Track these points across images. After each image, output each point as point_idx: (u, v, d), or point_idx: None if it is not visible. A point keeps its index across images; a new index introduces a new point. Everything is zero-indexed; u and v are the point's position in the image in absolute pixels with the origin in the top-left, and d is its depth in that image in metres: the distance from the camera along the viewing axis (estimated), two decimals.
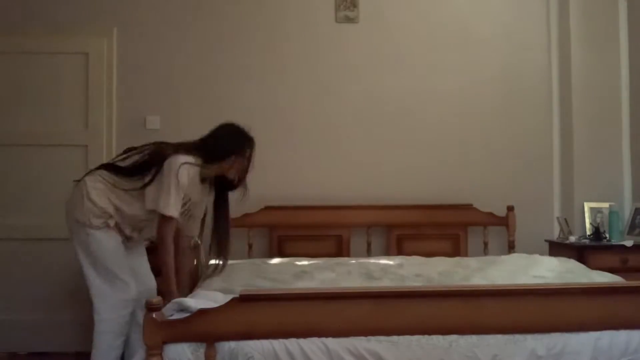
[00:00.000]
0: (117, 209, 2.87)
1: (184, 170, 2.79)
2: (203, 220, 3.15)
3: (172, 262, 2.85)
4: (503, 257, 3.73)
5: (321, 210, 4.18)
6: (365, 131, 4.35)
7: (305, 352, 2.05)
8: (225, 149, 2.96)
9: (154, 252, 3.09)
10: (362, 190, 4.29)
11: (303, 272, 3.18)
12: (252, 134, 3.07)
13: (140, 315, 2.51)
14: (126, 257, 2.92)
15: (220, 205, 3.11)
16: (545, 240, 4.28)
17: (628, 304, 2.20)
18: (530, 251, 4.02)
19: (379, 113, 4.37)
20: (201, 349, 2.06)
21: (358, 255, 4.10)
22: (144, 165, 2.88)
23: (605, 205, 4.14)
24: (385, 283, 2.95)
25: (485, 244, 4.27)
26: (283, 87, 4.34)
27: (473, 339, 2.12)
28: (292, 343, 2.07)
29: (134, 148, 2.99)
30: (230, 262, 3.69)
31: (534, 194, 4.39)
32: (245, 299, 2.07)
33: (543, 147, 4.43)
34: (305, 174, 4.30)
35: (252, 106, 4.30)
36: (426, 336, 2.11)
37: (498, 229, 4.29)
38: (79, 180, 2.96)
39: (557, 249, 4.11)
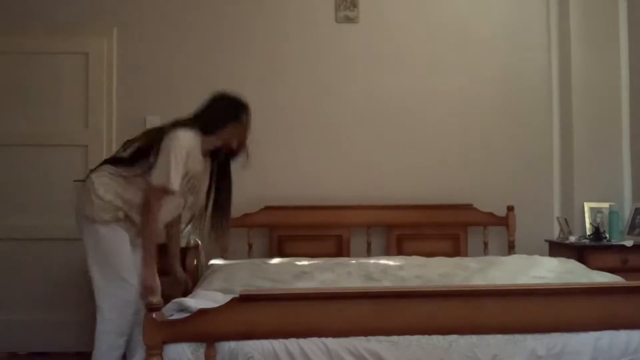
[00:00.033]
0: (125, 200, 2.84)
1: (183, 142, 2.78)
2: (208, 194, 3.11)
3: (156, 230, 2.83)
4: (503, 258, 3.73)
5: (321, 210, 4.18)
6: (365, 131, 4.35)
7: (305, 352, 2.05)
8: (221, 119, 2.94)
9: (162, 252, 3.09)
10: (362, 190, 4.29)
11: (303, 273, 3.18)
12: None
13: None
14: (133, 256, 2.88)
15: (222, 177, 3.10)
16: (545, 240, 4.28)
17: (628, 304, 2.20)
18: (530, 251, 4.02)
19: (379, 113, 4.37)
20: (201, 349, 2.06)
21: (358, 255, 4.10)
22: (144, 149, 2.87)
23: (605, 205, 4.14)
24: (385, 285, 2.95)
25: (485, 244, 4.27)
26: (283, 87, 4.34)
27: (473, 339, 2.12)
28: (292, 343, 2.07)
29: (132, 139, 2.99)
30: (230, 262, 3.71)
31: (534, 194, 4.39)
32: (245, 299, 2.07)
33: (543, 147, 4.43)
34: (305, 174, 4.30)
35: (252, 106, 4.24)
36: (426, 336, 2.11)
37: (498, 229, 4.29)
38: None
39: (557, 249, 4.11)
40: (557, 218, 4.31)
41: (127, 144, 3.00)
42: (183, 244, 3.84)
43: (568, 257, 3.68)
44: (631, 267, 3.77)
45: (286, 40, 4.37)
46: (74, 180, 4.14)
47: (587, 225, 4.13)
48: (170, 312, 2.20)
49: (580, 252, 3.84)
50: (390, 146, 4.36)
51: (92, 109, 4.22)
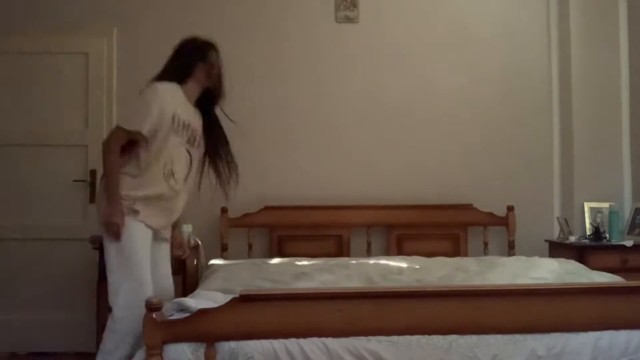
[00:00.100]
0: (136, 188, 2.81)
1: (156, 90, 2.83)
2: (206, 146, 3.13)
3: (117, 163, 2.77)
4: (502, 259, 3.71)
5: (321, 210, 4.18)
6: (365, 131, 4.35)
7: (305, 352, 2.06)
8: (189, 63, 2.97)
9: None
10: (362, 190, 4.29)
11: (303, 274, 3.18)
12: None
13: None
14: (155, 254, 2.88)
15: (213, 125, 3.14)
16: (545, 240, 4.28)
17: (628, 304, 2.20)
18: (530, 251, 4.03)
19: (379, 113, 4.37)
20: (201, 349, 2.06)
21: (358, 255, 4.10)
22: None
23: (605, 205, 4.14)
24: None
25: (485, 244, 4.27)
26: (283, 87, 4.34)
27: (473, 339, 2.12)
28: (292, 343, 2.07)
29: None
30: (230, 262, 3.71)
31: (534, 194, 4.39)
32: (245, 299, 2.07)
33: (543, 147, 4.43)
34: (305, 174, 4.30)
35: (252, 106, 4.31)
36: (426, 336, 2.11)
37: (498, 229, 4.29)
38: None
39: (557, 249, 4.11)
40: (557, 218, 4.31)
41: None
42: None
43: (568, 257, 3.69)
44: (631, 267, 3.77)
45: (286, 40, 4.37)
46: (74, 180, 4.16)
47: (587, 225, 4.13)
48: (170, 312, 2.20)
49: (580, 252, 3.83)
50: (390, 146, 4.36)
51: (92, 109, 4.22)
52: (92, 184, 4.10)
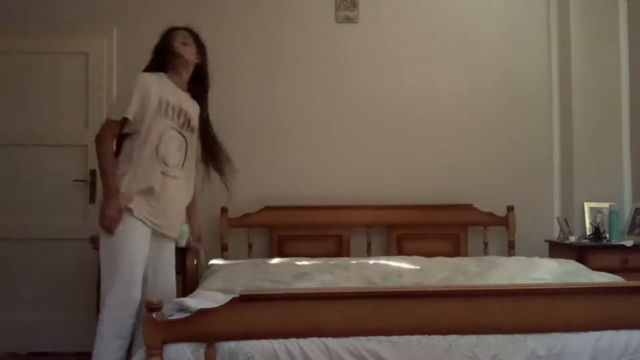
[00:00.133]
0: (130, 184, 2.80)
1: (139, 79, 2.88)
2: (205, 147, 3.15)
3: (110, 156, 2.82)
4: (502, 260, 3.68)
5: (321, 210, 4.17)
6: (365, 131, 4.35)
7: (305, 352, 2.06)
8: (161, 50, 3.02)
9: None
10: (362, 190, 4.29)
11: (303, 274, 3.17)
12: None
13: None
14: (146, 255, 2.83)
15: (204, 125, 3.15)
16: (545, 240, 4.28)
17: (628, 304, 2.20)
18: (530, 251, 4.03)
19: (379, 113, 4.37)
20: (201, 349, 2.06)
21: (358, 255, 4.10)
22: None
23: (605, 205, 4.14)
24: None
25: (485, 244, 4.27)
26: (283, 87, 4.34)
27: (473, 339, 2.12)
28: (292, 343, 2.07)
29: None
30: (230, 262, 3.71)
31: (534, 194, 4.39)
32: (245, 299, 2.07)
33: (543, 147, 4.43)
34: (305, 174, 4.30)
35: (252, 106, 4.31)
36: (426, 336, 2.11)
37: (498, 229, 4.29)
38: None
39: (557, 249, 4.11)
40: (557, 218, 4.31)
41: None
42: (183, 244, 3.84)
43: (568, 257, 3.69)
44: (631, 267, 3.77)
45: (286, 40, 4.37)
46: (74, 180, 4.16)
47: (587, 225, 4.13)
48: (170, 312, 2.20)
49: (580, 252, 3.83)
50: (390, 146, 4.35)
51: (92, 109, 4.21)
52: (92, 184, 4.11)
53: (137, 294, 2.74)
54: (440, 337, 2.11)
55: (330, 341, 2.08)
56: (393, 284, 3.07)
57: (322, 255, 3.84)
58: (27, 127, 4.21)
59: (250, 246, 4.17)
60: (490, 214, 4.25)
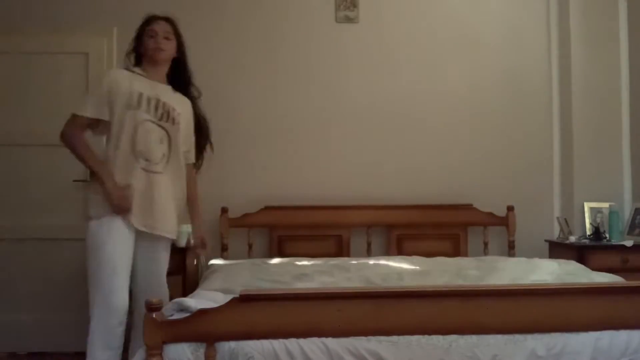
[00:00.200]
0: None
1: (106, 72, 2.90)
2: (199, 143, 3.07)
3: (81, 143, 2.73)
4: (502, 261, 3.64)
5: (321, 210, 4.18)
6: (365, 131, 4.35)
7: (305, 352, 2.05)
8: (135, 43, 2.95)
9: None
10: (362, 190, 4.29)
11: (303, 275, 3.17)
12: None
13: (140, 321, 2.46)
14: (130, 258, 2.73)
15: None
16: (545, 240, 4.28)
17: (628, 304, 2.19)
18: (530, 251, 4.04)
19: (379, 113, 4.37)
20: (201, 349, 2.05)
21: (358, 255, 4.10)
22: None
23: (605, 205, 4.14)
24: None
25: (485, 244, 4.27)
26: (283, 87, 4.34)
27: (473, 339, 2.12)
28: (292, 343, 2.07)
29: None
30: (230, 262, 3.71)
31: (534, 194, 4.40)
32: (245, 299, 2.06)
33: (543, 147, 4.43)
34: (305, 174, 4.30)
35: (252, 106, 4.31)
36: (426, 336, 2.11)
37: (498, 229, 4.29)
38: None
39: (557, 249, 4.11)
40: (557, 218, 4.31)
41: None
42: (182, 243, 3.84)
43: (568, 257, 3.69)
44: (631, 267, 3.77)
45: (286, 40, 4.37)
46: (74, 180, 4.16)
47: (587, 225, 4.13)
48: (170, 312, 2.20)
49: (580, 252, 3.84)
50: (390, 146, 4.36)
51: None
52: None
53: (120, 302, 2.63)
54: (440, 337, 2.11)
55: (330, 341, 2.07)
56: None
57: (322, 256, 3.84)
58: (27, 127, 4.20)
59: (250, 246, 4.18)
60: (490, 214, 4.25)
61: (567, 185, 4.35)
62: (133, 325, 2.82)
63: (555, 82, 4.46)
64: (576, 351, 2.13)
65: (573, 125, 4.30)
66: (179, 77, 3.00)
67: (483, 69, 4.43)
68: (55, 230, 4.13)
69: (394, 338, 2.10)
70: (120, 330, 2.65)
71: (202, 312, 2.07)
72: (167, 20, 2.99)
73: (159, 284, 2.86)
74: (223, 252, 4.11)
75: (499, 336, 2.13)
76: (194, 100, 3.06)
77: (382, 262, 3.57)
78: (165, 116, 2.81)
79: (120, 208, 2.67)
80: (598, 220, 4.10)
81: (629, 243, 3.90)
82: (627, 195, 4.30)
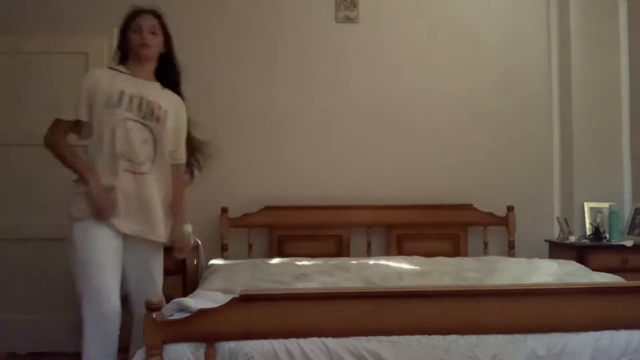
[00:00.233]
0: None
1: (87, 73, 2.76)
2: (190, 140, 2.94)
3: (65, 147, 2.67)
4: (503, 261, 3.63)
5: (321, 210, 4.18)
6: (365, 131, 4.35)
7: (305, 352, 2.05)
8: (120, 39, 2.83)
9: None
10: (362, 190, 4.29)
11: (303, 275, 3.17)
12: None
13: (138, 326, 2.44)
14: (118, 263, 2.62)
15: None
16: (545, 240, 4.28)
17: (628, 304, 2.19)
18: (530, 251, 4.04)
19: (378, 113, 4.37)
20: (201, 349, 2.05)
21: (358, 255, 4.10)
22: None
23: (605, 205, 4.14)
24: None
25: (485, 244, 4.27)
26: (283, 87, 4.34)
27: (473, 339, 2.12)
28: (292, 343, 2.07)
29: None
30: (230, 262, 3.71)
31: (534, 194, 4.39)
32: (245, 299, 2.06)
33: (543, 147, 4.43)
34: (305, 174, 4.30)
35: (252, 106, 4.31)
36: (426, 336, 2.11)
37: (498, 229, 4.29)
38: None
39: (557, 249, 4.11)
40: (557, 218, 4.31)
41: None
42: None
43: (568, 257, 3.69)
44: (631, 267, 3.77)
45: (286, 40, 4.37)
46: (74, 181, 4.15)
47: (587, 225, 4.13)
48: (170, 312, 2.20)
49: (580, 252, 3.84)
50: (390, 146, 4.36)
51: None
52: None
53: (110, 308, 2.55)
54: (440, 337, 2.11)
55: (330, 341, 2.07)
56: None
57: (322, 255, 3.84)
58: (27, 127, 4.19)
59: (250, 246, 4.18)
60: (490, 214, 4.25)
61: (567, 185, 4.35)
62: (132, 328, 2.77)
63: (555, 82, 4.46)
64: (576, 351, 2.12)
65: (573, 125, 4.30)
66: (167, 74, 2.86)
67: (483, 69, 4.42)
68: (55, 230, 4.10)
69: (394, 338, 2.10)
70: (115, 337, 2.58)
71: (202, 312, 2.07)
72: (153, 13, 2.84)
73: (153, 286, 2.74)
74: (223, 252, 4.11)
75: (499, 336, 2.13)
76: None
77: (382, 262, 3.57)
78: (149, 114, 2.69)
79: (103, 211, 2.56)
80: (598, 220, 4.10)
81: (629, 243, 3.90)
82: (627, 195, 4.30)
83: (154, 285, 2.77)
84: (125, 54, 2.81)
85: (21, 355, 4.09)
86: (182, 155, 2.89)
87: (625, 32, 4.36)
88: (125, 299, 2.73)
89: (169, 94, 2.83)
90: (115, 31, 4.21)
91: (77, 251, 2.60)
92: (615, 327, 2.17)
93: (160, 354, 2.03)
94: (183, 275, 3.78)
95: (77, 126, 2.73)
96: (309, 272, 3.23)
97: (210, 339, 2.05)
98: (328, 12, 4.39)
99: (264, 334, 2.07)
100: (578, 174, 4.28)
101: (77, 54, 4.24)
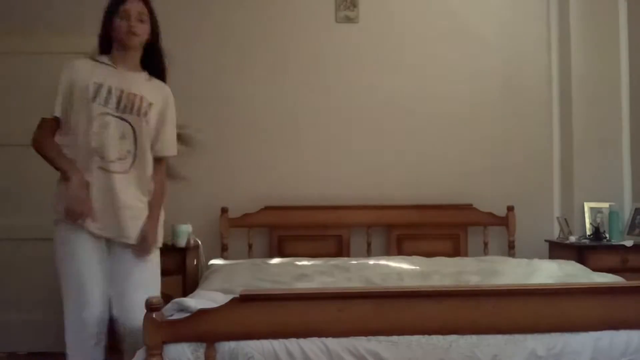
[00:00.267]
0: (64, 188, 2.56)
1: (64, 67, 2.61)
2: (181, 136, 2.87)
3: (51, 145, 2.58)
4: (502, 263, 3.60)
5: (321, 210, 4.18)
6: (365, 131, 4.35)
7: (305, 352, 2.05)
8: (103, 27, 2.62)
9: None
10: (362, 190, 4.29)
11: (303, 275, 3.17)
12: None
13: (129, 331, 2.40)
14: (98, 267, 2.51)
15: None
16: (545, 240, 4.27)
17: (628, 304, 2.20)
18: (530, 251, 4.04)
19: (378, 113, 4.37)
20: (201, 349, 2.05)
21: (358, 255, 4.10)
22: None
23: (605, 205, 4.14)
24: None
25: (485, 244, 4.27)
26: (283, 87, 4.34)
27: (473, 339, 2.12)
28: (292, 343, 2.07)
29: None
30: (230, 262, 3.71)
31: (534, 194, 4.40)
32: (245, 299, 2.06)
33: (543, 147, 4.43)
34: (305, 174, 4.30)
35: (252, 106, 4.31)
36: (426, 336, 2.11)
37: (498, 229, 4.29)
38: None
39: (557, 249, 4.11)
40: (557, 218, 4.31)
41: None
42: (182, 243, 3.85)
43: (568, 257, 3.69)
44: (631, 267, 3.77)
45: (286, 40, 4.37)
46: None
47: (587, 225, 4.13)
48: (170, 312, 2.20)
49: (580, 252, 3.83)
50: (390, 146, 4.36)
51: None
52: None
53: (89, 314, 2.44)
54: (440, 337, 2.11)
55: (330, 341, 2.07)
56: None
57: (322, 255, 3.84)
58: (27, 127, 4.18)
59: (250, 246, 4.18)
60: (490, 214, 4.25)
61: (567, 185, 4.35)
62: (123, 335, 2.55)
63: (555, 82, 4.46)
64: (576, 351, 2.13)
65: (573, 125, 4.30)
66: (153, 63, 2.69)
67: (483, 69, 4.42)
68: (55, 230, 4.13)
69: (394, 338, 2.10)
70: (93, 343, 2.46)
71: (202, 312, 2.07)
72: None
73: (135, 292, 2.47)
74: (223, 252, 4.11)
75: (499, 336, 2.13)
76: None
77: (382, 262, 3.57)
78: (129, 108, 2.53)
79: (75, 213, 2.47)
80: (598, 220, 4.10)
81: (629, 243, 3.90)
82: (627, 195, 4.30)
83: (135, 290, 2.47)
84: (108, 41, 2.61)
85: (21, 355, 4.09)
86: (168, 148, 2.71)
87: (625, 32, 4.35)
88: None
89: (156, 84, 2.68)
90: None
91: (56, 256, 2.54)
92: (615, 327, 2.17)
93: (160, 354, 2.03)
94: (183, 275, 3.78)
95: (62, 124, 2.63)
96: (309, 272, 3.23)
97: (210, 339, 2.05)
98: (328, 12, 4.39)
99: (264, 334, 2.07)
100: (578, 174, 4.28)
101: (77, 54, 4.22)
